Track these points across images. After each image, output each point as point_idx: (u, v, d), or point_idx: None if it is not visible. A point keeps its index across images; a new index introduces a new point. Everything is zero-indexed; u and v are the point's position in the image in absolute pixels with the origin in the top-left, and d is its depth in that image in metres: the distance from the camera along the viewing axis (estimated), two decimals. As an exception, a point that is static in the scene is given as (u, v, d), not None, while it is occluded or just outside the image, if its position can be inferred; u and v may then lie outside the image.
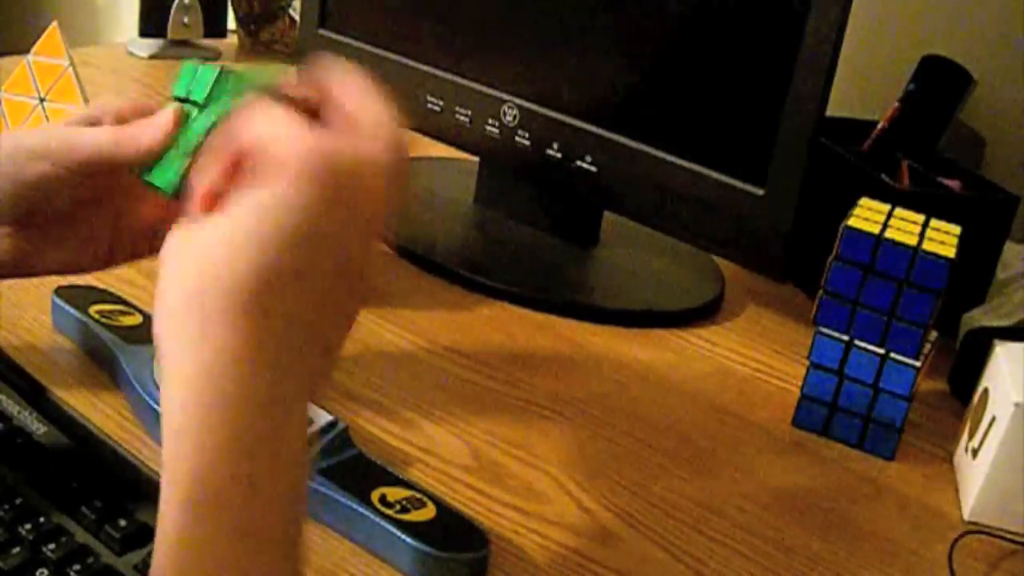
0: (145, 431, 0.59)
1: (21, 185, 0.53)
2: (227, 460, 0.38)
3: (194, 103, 0.50)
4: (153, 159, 0.50)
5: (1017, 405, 0.63)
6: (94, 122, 0.54)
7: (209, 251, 0.39)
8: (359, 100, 0.47)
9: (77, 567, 0.48)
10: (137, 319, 0.67)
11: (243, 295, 0.39)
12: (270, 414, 0.39)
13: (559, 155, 0.86)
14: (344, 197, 0.41)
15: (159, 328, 0.40)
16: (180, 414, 0.38)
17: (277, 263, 0.39)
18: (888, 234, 0.68)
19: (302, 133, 0.41)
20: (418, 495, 0.56)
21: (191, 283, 0.39)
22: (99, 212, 0.57)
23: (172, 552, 0.37)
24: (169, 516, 0.37)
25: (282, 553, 0.39)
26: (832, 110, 0.77)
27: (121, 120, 0.54)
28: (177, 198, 0.49)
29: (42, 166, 0.53)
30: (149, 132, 0.50)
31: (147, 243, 0.58)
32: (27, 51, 0.97)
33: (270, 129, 0.42)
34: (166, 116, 0.50)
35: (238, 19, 1.39)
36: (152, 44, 1.29)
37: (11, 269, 0.56)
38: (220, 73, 0.49)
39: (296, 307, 0.40)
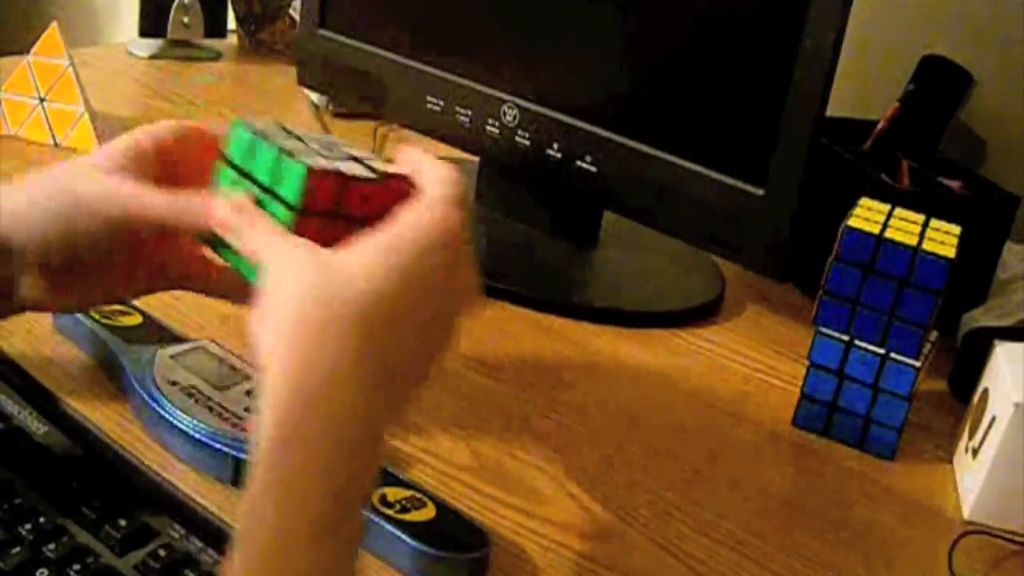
0: (145, 431, 0.59)
1: (71, 236, 0.51)
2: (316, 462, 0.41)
3: (256, 182, 0.50)
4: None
5: (1017, 405, 0.63)
6: (140, 156, 0.53)
7: (340, 269, 0.44)
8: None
9: (77, 567, 0.48)
10: (137, 319, 0.67)
11: (362, 319, 0.43)
12: (361, 430, 0.43)
13: (559, 155, 0.86)
14: (458, 258, 0.47)
15: (268, 333, 0.43)
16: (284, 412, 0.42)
17: (395, 298, 0.44)
18: (888, 234, 0.68)
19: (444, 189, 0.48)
20: (418, 495, 0.56)
21: (333, 298, 0.43)
22: (137, 256, 0.56)
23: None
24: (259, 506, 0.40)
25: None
26: (832, 110, 0.77)
27: (165, 150, 0.54)
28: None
29: (97, 223, 0.51)
30: (218, 217, 0.50)
31: (166, 277, 0.58)
32: (27, 51, 0.97)
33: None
34: (239, 208, 0.49)
35: (238, 19, 1.39)
36: (152, 44, 1.29)
37: (43, 307, 0.56)
38: (279, 153, 0.49)
39: (399, 343, 0.45)
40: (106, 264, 0.54)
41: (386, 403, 0.44)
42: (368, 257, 0.45)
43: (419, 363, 0.47)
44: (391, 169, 0.51)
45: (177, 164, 0.55)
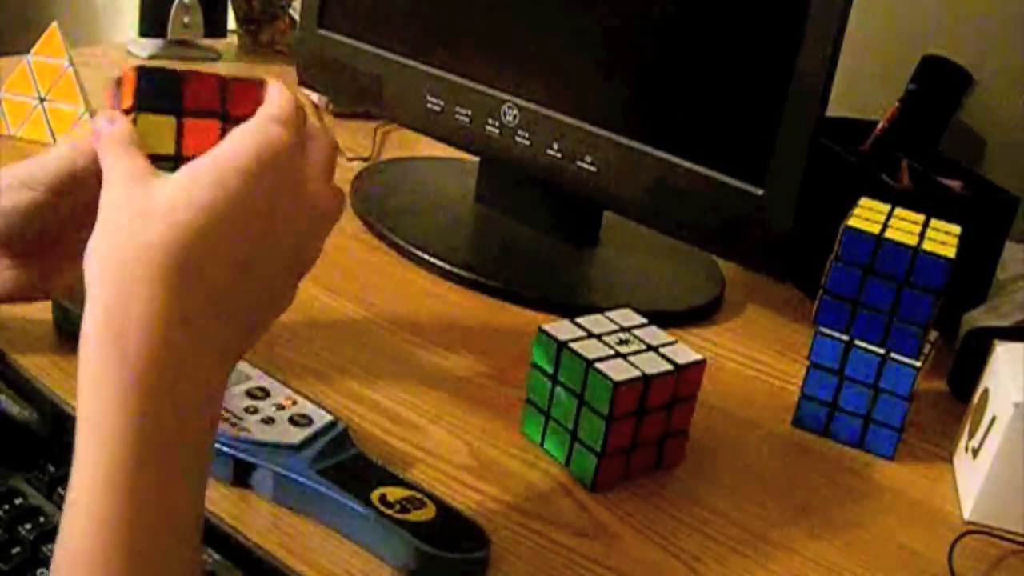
0: (145, 431, 0.59)
1: (12, 215, 0.53)
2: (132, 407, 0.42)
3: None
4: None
5: (1017, 405, 0.63)
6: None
7: (153, 209, 0.43)
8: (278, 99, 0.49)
9: (77, 567, 0.48)
10: (137, 319, 0.67)
11: (171, 259, 0.42)
12: (172, 373, 0.42)
13: (559, 155, 0.86)
14: (290, 180, 0.46)
15: (92, 270, 0.43)
16: (95, 353, 0.43)
17: (201, 234, 0.43)
18: (888, 234, 0.68)
19: (263, 122, 0.46)
20: (418, 495, 0.56)
21: (134, 237, 0.42)
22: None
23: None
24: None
25: (169, 525, 0.41)
26: (832, 110, 0.77)
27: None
28: None
29: (28, 194, 0.53)
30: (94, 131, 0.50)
31: None
32: (27, 51, 0.97)
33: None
34: (109, 119, 0.49)
35: (238, 19, 1.39)
36: (152, 44, 1.29)
37: (17, 298, 0.57)
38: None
39: (221, 278, 0.43)
40: (68, 240, 0.55)
41: (210, 339, 0.43)
42: (178, 192, 0.43)
43: (255, 293, 0.45)
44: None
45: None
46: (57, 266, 0.57)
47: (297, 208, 0.46)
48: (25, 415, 0.58)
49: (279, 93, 0.48)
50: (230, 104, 0.49)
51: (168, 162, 0.48)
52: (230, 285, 0.44)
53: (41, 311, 0.68)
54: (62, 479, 0.53)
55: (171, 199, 0.43)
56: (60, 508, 0.52)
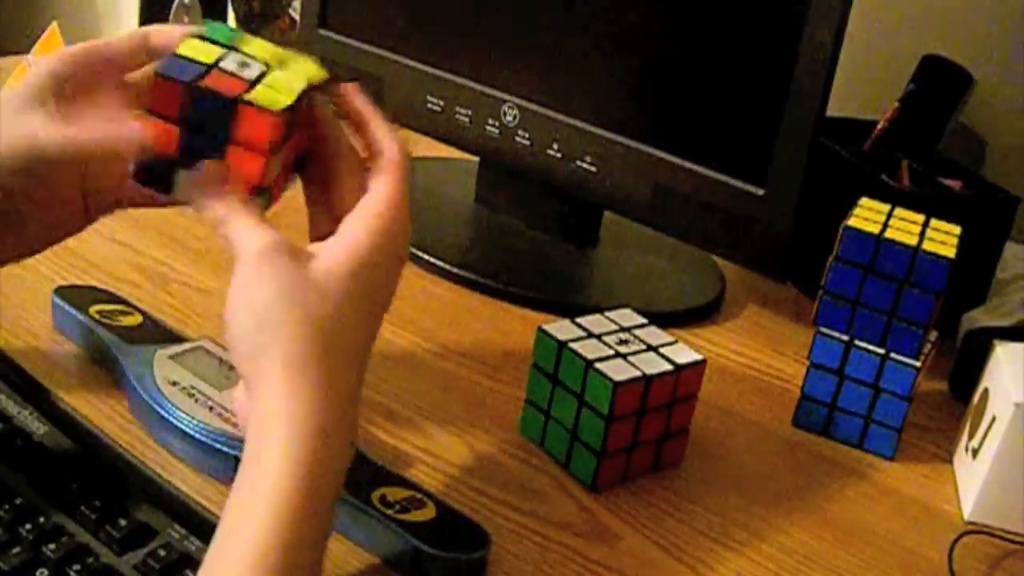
0: (145, 431, 0.59)
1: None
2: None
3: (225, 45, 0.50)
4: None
5: (1017, 405, 0.63)
6: (42, 93, 0.52)
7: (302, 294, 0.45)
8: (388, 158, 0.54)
9: (77, 567, 0.48)
10: (137, 319, 0.67)
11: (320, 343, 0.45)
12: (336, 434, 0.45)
13: (559, 155, 0.86)
14: (402, 263, 0.51)
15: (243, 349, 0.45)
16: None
17: (357, 326, 0.47)
18: (888, 234, 0.68)
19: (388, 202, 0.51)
20: (418, 495, 0.56)
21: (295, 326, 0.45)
22: (66, 179, 0.55)
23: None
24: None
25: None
26: (832, 110, 0.77)
27: (70, 86, 0.53)
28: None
29: (21, 163, 0.51)
30: (133, 132, 0.49)
31: (120, 193, 0.57)
32: (27, 51, 0.97)
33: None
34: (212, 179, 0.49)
35: (238, 19, 1.39)
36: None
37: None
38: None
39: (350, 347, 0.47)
40: (42, 202, 0.54)
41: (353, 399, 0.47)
42: (351, 283, 0.47)
43: (367, 357, 0.49)
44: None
45: (83, 93, 0.54)
46: (25, 224, 0.55)
47: (401, 265, 0.52)
48: (25, 416, 0.58)
49: (400, 159, 0.54)
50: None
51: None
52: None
53: (41, 311, 0.68)
54: (61, 479, 0.53)
55: (340, 299, 0.46)
56: (59, 508, 0.52)
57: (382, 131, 0.52)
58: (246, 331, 0.45)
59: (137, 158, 0.49)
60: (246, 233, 0.47)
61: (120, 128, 0.50)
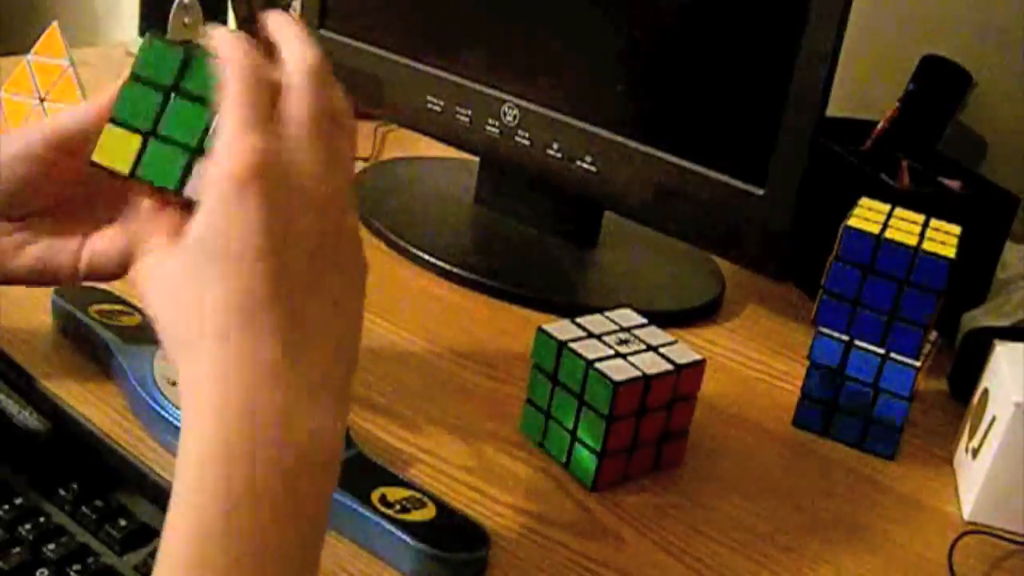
0: (145, 431, 0.59)
1: (16, 184, 0.51)
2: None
3: (159, 86, 0.48)
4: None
5: (1017, 405, 0.63)
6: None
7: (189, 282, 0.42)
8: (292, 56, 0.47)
9: (77, 567, 0.48)
10: (137, 319, 0.67)
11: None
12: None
13: (559, 155, 0.86)
14: (286, 197, 0.42)
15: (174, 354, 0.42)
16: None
17: (251, 280, 0.41)
18: (888, 234, 0.68)
19: (239, 145, 0.42)
20: (418, 495, 0.56)
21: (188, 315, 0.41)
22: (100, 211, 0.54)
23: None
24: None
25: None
26: (832, 110, 0.77)
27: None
28: (178, 194, 0.47)
29: (28, 167, 0.51)
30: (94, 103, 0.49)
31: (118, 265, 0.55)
32: (27, 51, 0.97)
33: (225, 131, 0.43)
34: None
35: (238, 19, 1.39)
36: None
37: (37, 276, 0.54)
38: (186, 55, 0.48)
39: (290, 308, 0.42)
40: (60, 212, 0.53)
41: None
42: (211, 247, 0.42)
43: (329, 295, 0.45)
44: None
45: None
46: (70, 237, 0.54)
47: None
48: (25, 416, 0.58)
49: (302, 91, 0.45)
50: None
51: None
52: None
53: (41, 311, 0.68)
54: (61, 479, 0.53)
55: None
56: (59, 508, 0.52)
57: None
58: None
59: None
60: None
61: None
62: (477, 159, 0.97)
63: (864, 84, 1.04)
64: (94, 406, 0.61)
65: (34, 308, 0.69)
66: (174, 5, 1.27)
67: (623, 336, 0.64)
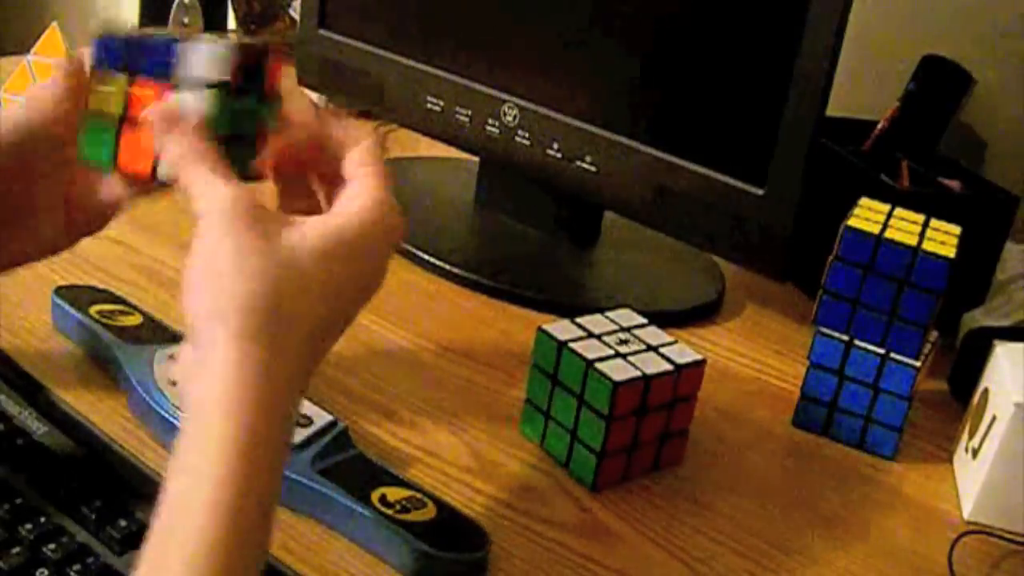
0: (145, 431, 0.59)
1: None
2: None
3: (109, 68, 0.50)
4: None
5: (1017, 405, 0.63)
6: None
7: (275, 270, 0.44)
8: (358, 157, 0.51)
9: (77, 567, 0.48)
10: (137, 319, 0.67)
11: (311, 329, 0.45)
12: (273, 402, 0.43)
13: (559, 155, 0.86)
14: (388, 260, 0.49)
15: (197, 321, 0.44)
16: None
17: (335, 310, 0.47)
18: (888, 234, 0.68)
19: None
20: (418, 495, 0.56)
21: (284, 306, 0.44)
22: (47, 192, 0.56)
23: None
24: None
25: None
26: (832, 110, 0.77)
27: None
28: (114, 171, 0.51)
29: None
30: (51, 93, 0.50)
31: (106, 210, 0.57)
32: (27, 51, 0.97)
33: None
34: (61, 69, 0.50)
35: (238, 19, 1.39)
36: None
37: None
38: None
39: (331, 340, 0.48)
40: (21, 207, 0.54)
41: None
42: (322, 262, 0.45)
43: (331, 343, 0.48)
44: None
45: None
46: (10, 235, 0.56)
47: (387, 259, 0.50)
48: (25, 416, 0.58)
49: (373, 159, 0.49)
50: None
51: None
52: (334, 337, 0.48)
53: (41, 311, 0.68)
54: (61, 479, 0.53)
55: (305, 277, 0.45)
56: (59, 508, 0.52)
57: (349, 126, 0.51)
58: (203, 294, 0.44)
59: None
60: (209, 187, 0.45)
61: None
62: (477, 159, 0.97)
63: (864, 84, 1.04)
64: (94, 406, 0.61)
65: (34, 308, 0.69)
66: (174, 5, 1.27)
67: (623, 336, 0.64)
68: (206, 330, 0.43)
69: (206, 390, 0.42)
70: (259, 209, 0.45)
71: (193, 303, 0.44)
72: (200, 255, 0.45)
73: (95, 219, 0.58)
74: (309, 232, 0.45)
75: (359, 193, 0.48)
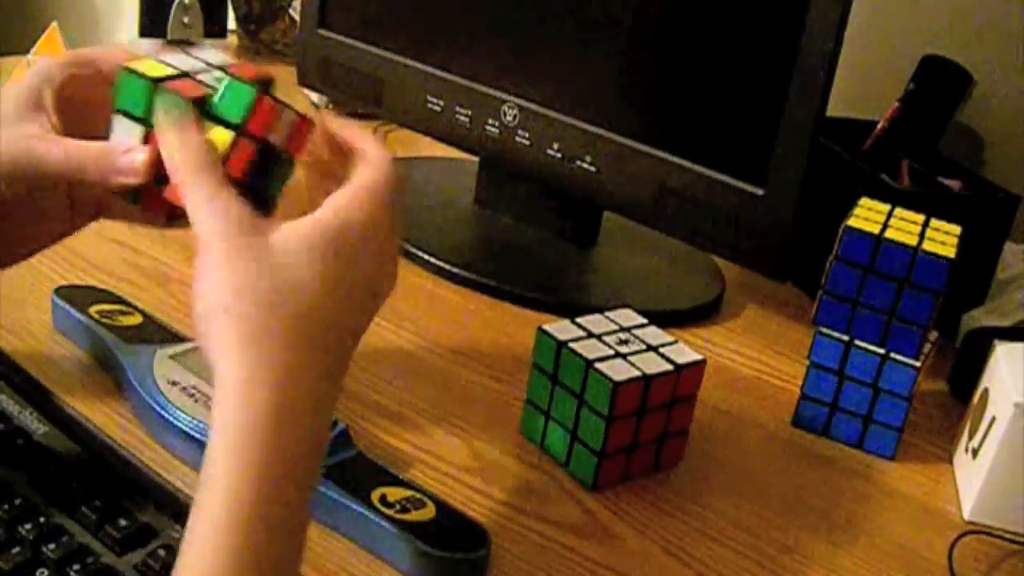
0: (145, 431, 0.59)
1: None
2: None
3: (137, 119, 0.50)
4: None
5: (1017, 405, 0.63)
6: (38, 102, 0.53)
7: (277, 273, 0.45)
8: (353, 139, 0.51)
9: (77, 567, 0.48)
10: (137, 319, 0.67)
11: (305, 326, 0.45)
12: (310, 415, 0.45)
13: (559, 155, 0.86)
14: (390, 252, 0.50)
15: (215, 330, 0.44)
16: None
17: (335, 307, 0.46)
18: (888, 234, 0.68)
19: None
20: (418, 495, 0.56)
21: (275, 308, 0.44)
22: (54, 190, 0.56)
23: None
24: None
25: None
26: (832, 110, 0.77)
27: (63, 94, 0.53)
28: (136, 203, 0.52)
29: (9, 188, 0.52)
30: (124, 166, 0.50)
31: (105, 200, 0.57)
32: (27, 51, 0.97)
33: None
34: (140, 159, 0.50)
35: (238, 19, 1.39)
36: (152, 44, 1.29)
37: None
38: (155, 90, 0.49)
39: (337, 341, 0.47)
40: (26, 207, 0.55)
41: (321, 391, 0.46)
42: (311, 256, 0.45)
43: (347, 342, 0.48)
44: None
45: (75, 102, 0.54)
46: (15, 232, 0.56)
47: (391, 257, 0.50)
48: (25, 416, 0.58)
49: (379, 157, 0.50)
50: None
51: None
52: (344, 337, 0.48)
53: (41, 311, 0.68)
54: (61, 479, 0.53)
55: (299, 272, 0.45)
56: (59, 508, 0.52)
57: (365, 137, 0.52)
58: (210, 312, 0.44)
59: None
60: (207, 212, 0.46)
61: (116, 155, 0.51)
62: (477, 159, 0.97)
63: (864, 84, 1.04)
64: (94, 406, 0.61)
65: (34, 308, 0.69)
66: (174, 5, 1.27)
67: (623, 336, 0.64)
68: (215, 347, 0.44)
69: (217, 404, 0.43)
70: (254, 222, 0.46)
71: (204, 323, 0.45)
72: (206, 277, 0.45)
73: (96, 212, 0.58)
74: (291, 228, 0.46)
75: (343, 191, 0.48)
